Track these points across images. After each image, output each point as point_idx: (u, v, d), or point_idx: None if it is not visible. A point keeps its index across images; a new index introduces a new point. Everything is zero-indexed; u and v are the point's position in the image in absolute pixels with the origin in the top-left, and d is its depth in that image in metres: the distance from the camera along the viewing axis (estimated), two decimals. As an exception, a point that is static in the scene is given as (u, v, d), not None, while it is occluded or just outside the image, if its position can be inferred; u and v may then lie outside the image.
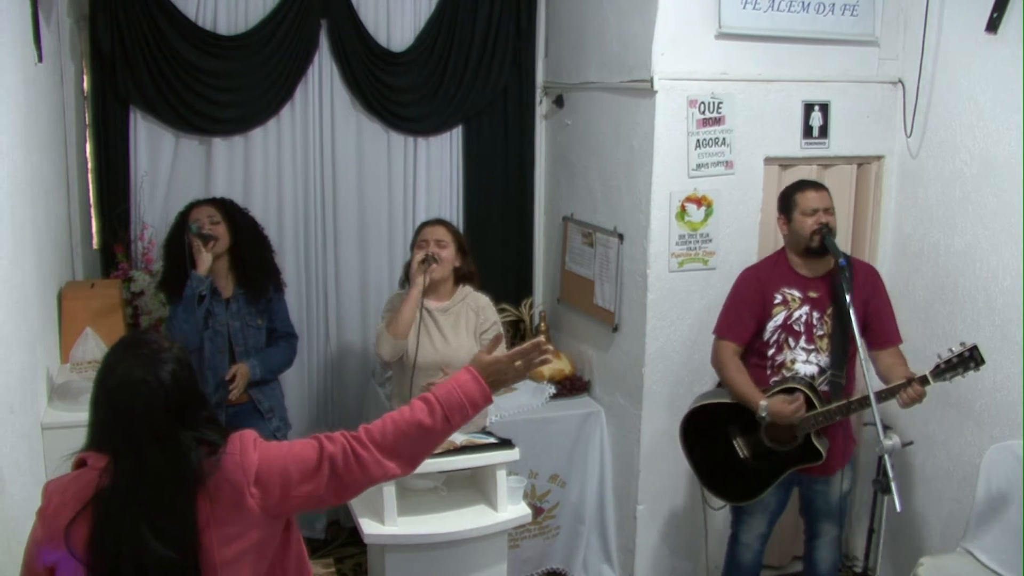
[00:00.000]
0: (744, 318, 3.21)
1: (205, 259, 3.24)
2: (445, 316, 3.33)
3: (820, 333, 3.17)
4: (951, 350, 2.93)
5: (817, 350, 3.18)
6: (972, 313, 3.47)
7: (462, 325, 3.33)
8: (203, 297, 3.23)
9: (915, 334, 3.69)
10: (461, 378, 1.91)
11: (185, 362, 1.76)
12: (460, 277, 3.39)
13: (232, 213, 3.42)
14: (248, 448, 1.76)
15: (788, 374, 3.18)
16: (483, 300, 3.41)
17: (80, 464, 1.74)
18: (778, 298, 3.20)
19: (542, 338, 2.12)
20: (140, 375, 1.68)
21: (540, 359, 1.99)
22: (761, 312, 3.20)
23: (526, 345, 1.98)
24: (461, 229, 4.12)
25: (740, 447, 3.22)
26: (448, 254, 3.30)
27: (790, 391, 3.09)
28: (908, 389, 2.96)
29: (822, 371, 3.16)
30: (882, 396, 3.00)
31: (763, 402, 3.07)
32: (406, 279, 3.39)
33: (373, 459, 1.82)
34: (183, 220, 3.37)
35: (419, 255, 3.26)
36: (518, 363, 1.96)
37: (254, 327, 3.42)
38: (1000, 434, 3.32)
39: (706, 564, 3.88)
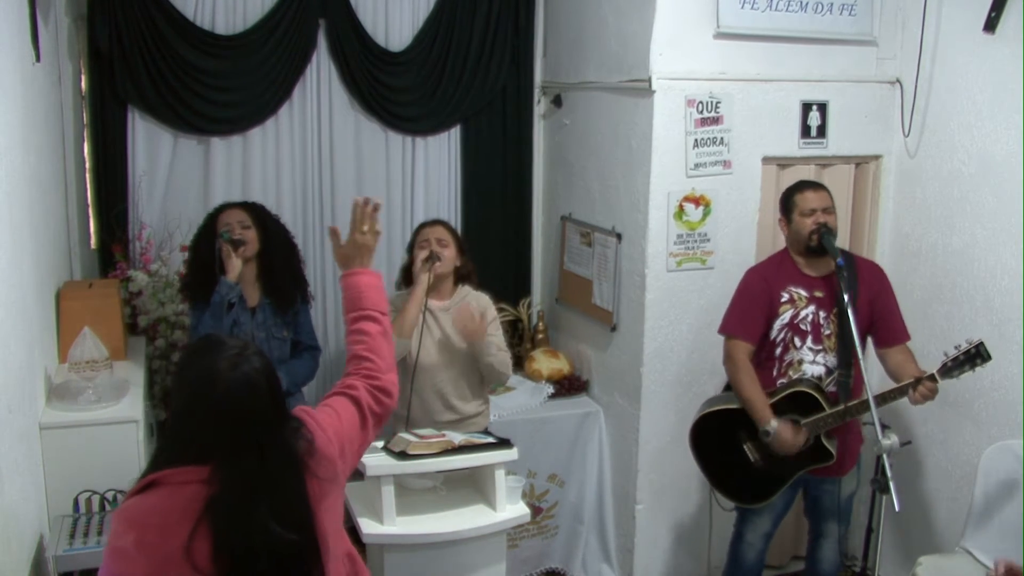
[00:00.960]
0: (755, 315, 3.20)
1: (235, 265, 3.16)
2: (446, 315, 3.33)
3: (828, 332, 3.17)
4: (957, 347, 2.94)
5: (825, 350, 3.17)
6: (970, 313, 3.47)
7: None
8: (232, 305, 3.16)
9: (914, 334, 3.67)
10: (348, 283, 2.10)
11: (264, 354, 1.79)
12: (459, 277, 3.40)
13: (263, 218, 3.35)
14: (323, 423, 1.86)
15: (796, 375, 3.18)
16: (484, 299, 3.42)
17: (147, 486, 1.67)
18: (784, 296, 3.20)
19: (358, 199, 2.18)
20: (246, 372, 1.69)
21: (369, 214, 2.13)
22: (769, 310, 3.19)
23: (355, 213, 2.13)
24: (459, 229, 4.13)
25: (751, 451, 3.20)
26: (449, 253, 3.32)
27: (799, 399, 3.09)
28: (920, 387, 2.96)
29: (829, 371, 3.16)
30: (892, 395, 3.01)
31: (773, 422, 3.06)
32: (403, 282, 3.40)
33: (389, 381, 2.01)
34: (211, 222, 3.30)
35: (422, 254, 3.26)
36: (357, 235, 2.12)
37: (279, 338, 3.35)
38: (999, 433, 3.33)
39: (708, 562, 3.88)
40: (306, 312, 3.48)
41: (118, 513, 1.67)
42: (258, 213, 3.35)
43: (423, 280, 3.21)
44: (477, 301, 3.38)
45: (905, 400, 3.06)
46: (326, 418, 1.89)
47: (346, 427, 1.91)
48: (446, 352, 3.30)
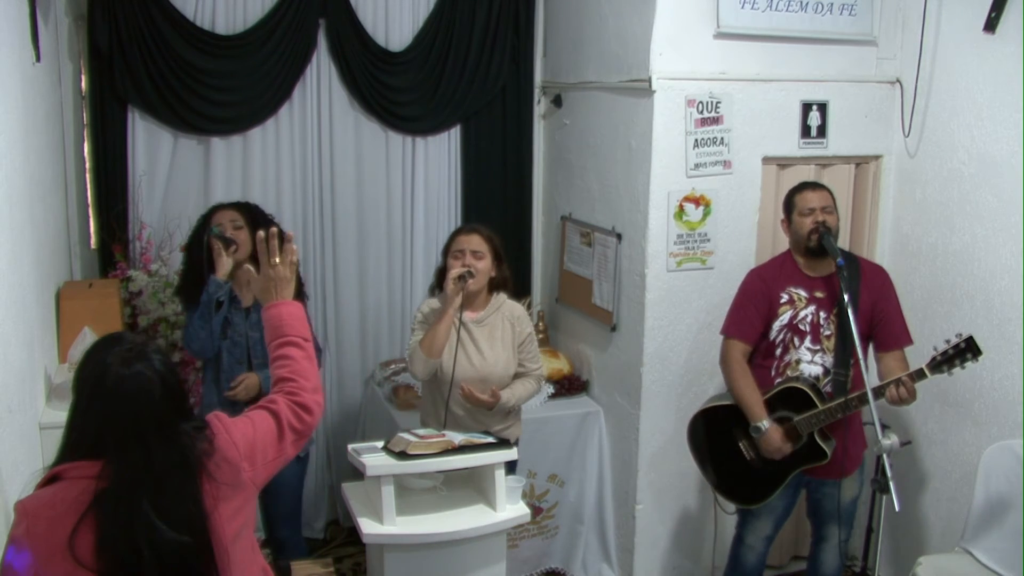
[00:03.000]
0: (752, 317, 3.21)
1: (225, 263, 3.12)
2: (480, 328, 3.21)
3: (827, 333, 3.17)
4: (947, 342, 2.91)
5: (823, 350, 3.17)
6: (970, 313, 3.47)
7: (498, 337, 3.23)
8: (221, 303, 3.12)
9: (913, 334, 3.67)
10: (270, 314, 2.12)
11: (165, 352, 1.81)
12: (495, 285, 3.26)
13: (256, 219, 3.29)
14: (230, 427, 1.87)
15: (793, 375, 3.18)
16: (518, 310, 3.30)
17: (51, 479, 1.70)
18: (784, 297, 3.20)
19: (260, 233, 2.18)
20: (139, 370, 1.70)
21: (274, 247, 2.13)
22: (768, 311, 3.20)
23: (260, 248, 2.14)
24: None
25: (746, 449, 3.21)
26: (484, 265, 3.16)
27: (793, 396, 3.09)
28: (899, 386, 2.93)
29: (827, 372, 3.16)
30: (877, 393, 2.99)
31: (765, 422, 3.07)
32: (438, 286, 3.27)
33: (311, 400, 2.02)
34: (204, 223, 3.27)
35: (455, 270, 3.09)
36: (268, 269, 2.13)
37: None
38: (999, 433, 3.33)
39: (711, 564, 3.88)
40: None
41: (18, 503, 1.70)
42: (252, 213, 3.30)
43: (455, 302, 3.07)
44: (511, 312, 3.26)
45: (894, 403, 3.03)
46: (237, 424, 1.90)
47: (260, 435, 1.91)
48: (477, 368, 3.18)
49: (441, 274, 3.23)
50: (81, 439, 1.71)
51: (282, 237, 2.18)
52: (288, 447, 1.97)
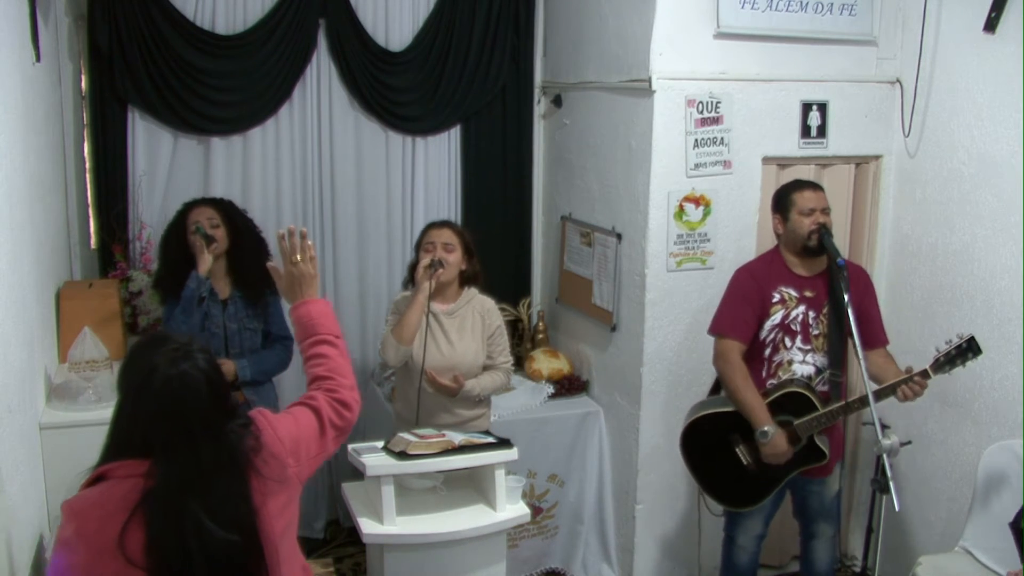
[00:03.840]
0: (746, 315, 3.18)
1: (206, 259, 3.22)
2: (451, 319, 3.30)
3: (816, 332, 3.17)
4: (948, 342, 2.95)
5: (814, 350, 3.17)
6: (970, 312, 3.47)
7: (468, 328, 3.31)
8: (203, 299, 3.21)
9: (913, 334, 3.69)
10: (299, 314, 2.13)
11: (209, 351, 1.80)
12: (465, 279, 3.36)
13: (232, 215, 3.41)
14: (275, 423, 1.88)
15: (785, 376, 3.18)
16: (488, 303, 3.39)
17: (96, 479, 1.71)
18: (776, 297, 3.19)
19: (280, 231, 2.18)
20: (186, 369, 1.70)
21: (295, 244, 2.13)
22: (760, 310, 3.19)
23: (282, 245, 2.15)
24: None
25: (743, 454, 3.19)
26: (455, 258, 3.26)
27: (792, 400, 3.09)
28: (910, 383, 2.96)
29: (819, 371, 3.16)
30: (883, 393, 3.00)
31: (769, 428, 3.05)
32: (410, 280, 3.36)
33: (350, 397, 2.04)
34: (180, 219, 3.36)
35: (425, 259, 3.22)
36: (290, 267, 2.14)
37: (251, 329, 3.42)
38: (998, 433, 3.33)
39: (699, 565, 3.88)
40: (276, 303, 3.49)
41: (65, 504, 1.70)
42: (227, 210, 3.40)
43: (424, 287, 3.17)
44: (481, 306, 3.36)
45: (905, 400, 3.06)
46: (281, 420, 1.91)
47: (303, 431, 1.93)
48: (447, 356, 3.27)
49: (413, 269, 3.32)
50: (128, 439, 1.71)
51: (301, 235, 2.18)
52: (329, 443, 1.99)
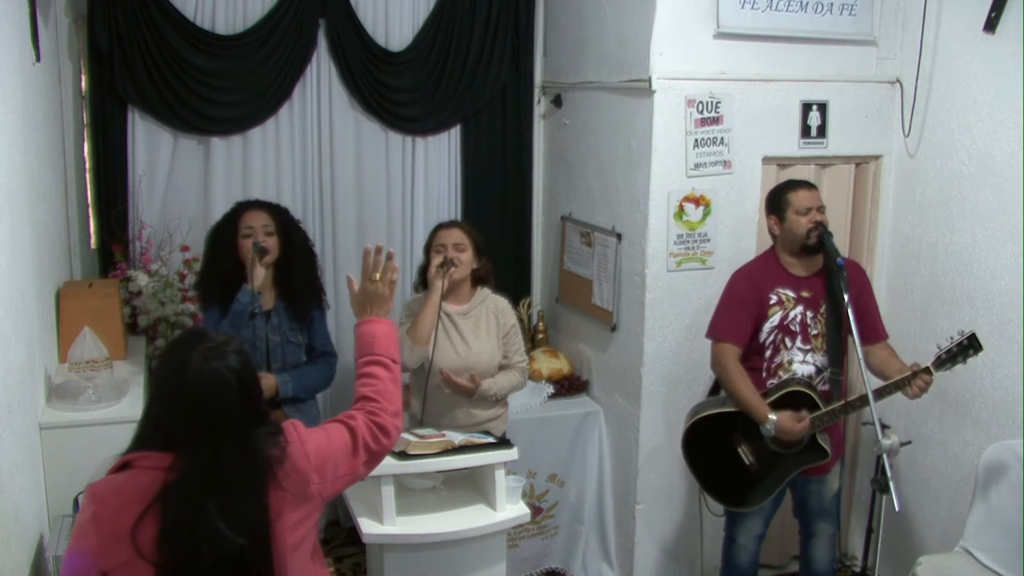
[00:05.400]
0: (743, 319, 3.19)
1: (259, 274, 3.09)
2: (465, 320, 3.28)
3: (815, 332, 3.18)
4: (950, 339, 2.97)
5: (813, 349, 3.18)
6: (970, 312, 3.47)
7: (483, 328, 3.29)
8: (254, 314, 3.08)
9: (913, 334, 3.69)
10: (361, 331, 2.10)
11: (246, 353, 1.80)
12: (477, 278, 3.33)
13: (286, 224, 3.27)
14: (305, 437, 1.86)
15: (785, 375, 3.18)
16: (502, 302, 3.37)
17: (123, 466, 1.72)
18: (773, 298, 3.20)
19: (368, 247, 2.16)
20: (218, 368, 1.71)
21: (382, 264, 2.11)
22: (758, 312, 3.20)
23: (366, 261, 2.13)
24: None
25: (745, 454, 3.20)
26: (467, 257, 3.23)
27: (794, 399, 3.09)
28: (917, 380, 2.98)
29: (819, 371, 3.17)
30: (888, 390, 3.02)
31: (772, 416, 3.06)
32: (421, 283, 3.33)
33: (391, 423, 1.98)
34: (232, 220, 3.22)
35: (437, 259, 3.19)
36: (368, 284, 2.12)
37: (295, 343, 3.29)
38: (998, 433, 3.33)
39: (701, 565, 3.88)
40: (322, 318, 3.41)
41: (89, 487, 1.72)
42: (282, 218, 3.26)
43: (437, 287, 3.14)
44: (495, 305, 3.33)
45: (905, 399, 3.07)
46: (312, 435, 1.89)
47: (334, 449, 1.89)
48: (463, 357, 3.24)
49: (424, 271, 3.30)
50: (156, 431, 1.73)
51: (388, 255, 2.15)
52: (360, 466, 1.94)
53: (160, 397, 1.75)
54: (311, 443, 1.86)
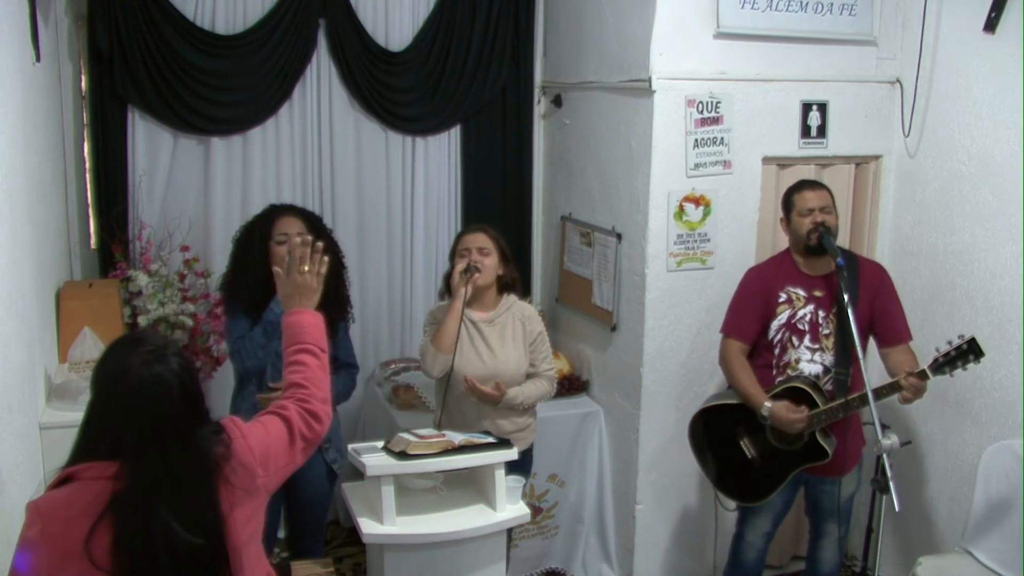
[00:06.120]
0: (749, 316, 3.23)
1: (465, 293, 3.05)
2: (491, 327, 3.21)
3: (826, 332, 3.17)
4: (949, 343, 2.93)
5: (822, 349, 3.18)
6: (970, 313, 3.47)
7: (508, 336, 3.22)
8: None
9: (913, 334, 3.68)
10: (290, 321, 2.12)
11: (184, 355, 1.79)
12: (503, 285, 3.26)
13: (320, 233, 3.07)
14: (246, 432, 1.87)
15: (793, 374, 3.18)
16: (529, 309, 3.30)
17: (63, 480, 1.70)
18: (782, 297, 3.21)
19: (295, 239, 2.20)
20: (159, 371, 1.69)
21: (306, 255, 2.14)
22: (765, 310, 3.21)
23: (293, 253, 2.16)
24: (459, 229, 4.12)
25: (747, 447, 3.22)
26: (491, 262, 3.16)
27: (795, 396, 3.09)
28: (908, 383, 2.95)
29: (827, 370, 3.16)
30: (883, 392, 2.99)
31: (767, 403, 3.08)
32: (446, 291, 3.25)
33: (321, 410, 2.01)
34: (266, 224, 3.11)
35: (461, 264, 3.13)
36: (296, 276, 2.14)
37: None
38: (999, 433, 3.33)
39: (712, 564, 3.88)
40: (345, 329, 3.31)
41: (31, 504, 1.68)
42: (316, 227, 3.14)
43: (461, 293, 3.07)
44: (522, 312, 3.26)
45: (906, 402, 3.05)
46: (252, 428, 1.89)
47: (273, 441, 1.90)
48: (488, 365, 3.17)
49: (449, 278, 3.22)
50: (98, 440, 1.70)
51: (315, 247, 2.17)
52: (297, 454, 1.96)
53: (101, 404, 1.71)
54: (253, 437, 1.86)
